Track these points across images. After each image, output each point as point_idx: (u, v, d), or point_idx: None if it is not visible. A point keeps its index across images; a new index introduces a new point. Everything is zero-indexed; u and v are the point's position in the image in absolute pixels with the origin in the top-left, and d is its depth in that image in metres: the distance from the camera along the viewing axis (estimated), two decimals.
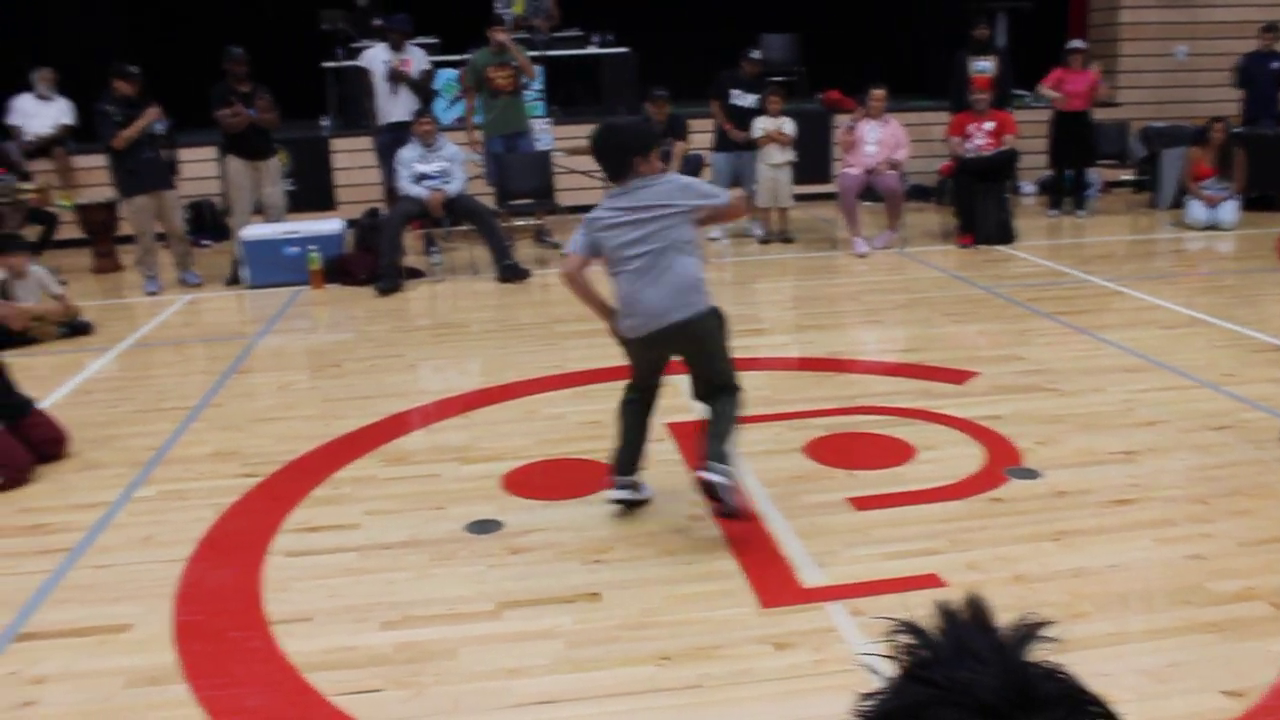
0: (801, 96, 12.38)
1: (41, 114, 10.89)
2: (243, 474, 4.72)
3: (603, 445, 4.61)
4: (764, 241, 9.88)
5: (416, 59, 9.56)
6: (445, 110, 11.09)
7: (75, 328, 7.47)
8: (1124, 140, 11.26)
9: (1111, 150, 11.09)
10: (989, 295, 7.46)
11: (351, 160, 11.39)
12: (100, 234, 9.92)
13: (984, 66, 10.34)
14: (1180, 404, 5.10)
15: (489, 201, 9.39)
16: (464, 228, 9.29)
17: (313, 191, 11.31)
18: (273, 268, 8.77)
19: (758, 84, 9.85)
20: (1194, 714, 2.80)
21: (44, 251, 9.39)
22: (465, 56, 10.01)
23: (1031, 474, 4.35)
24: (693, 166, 9.76)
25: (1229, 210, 9.56)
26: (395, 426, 5.27)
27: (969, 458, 4.55)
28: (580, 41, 12.09)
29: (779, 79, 10.86)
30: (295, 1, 12.23)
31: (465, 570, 3.74)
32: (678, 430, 4.82)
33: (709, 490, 3.75)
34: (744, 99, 9.81)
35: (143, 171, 8.54)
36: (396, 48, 9.44)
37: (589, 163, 9.88)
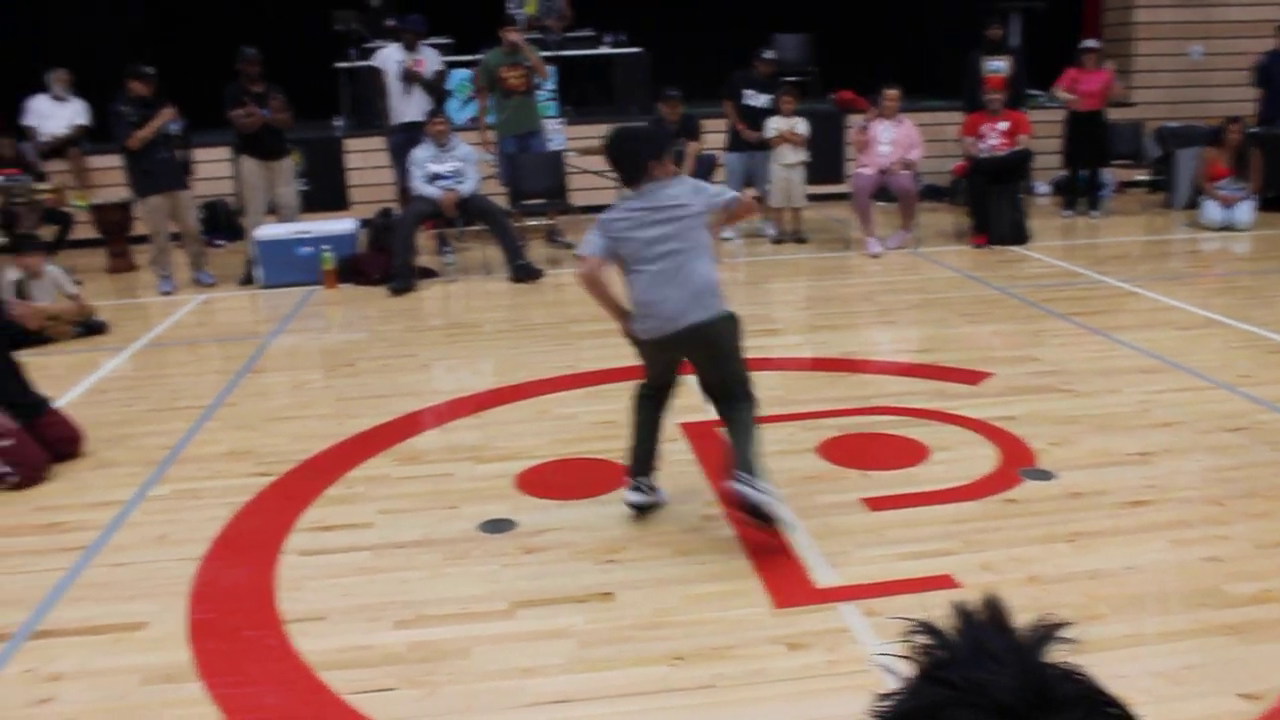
0: (814, 96, 12.36)
1: (57, 115, 10.95)
2: (257, 473, 4.73)
3: (616, 445, 4.61)
4: (777, 241, 9.87)
5: (430, 59, 9.58)
6: (458, 110, 11.11)
7: (90, 327, 7.50)
8: (1139, 140, 11.22)
9: (1126, 150, 11.05)
10: (1003, 296, 7.44)
11: (364, 160, 11.41)
12: (115, 234, 9.97)
13: (998, 66, 10.32)
14: (1196, 405, 5.08)
15: (502, 201, 9.40)
16: (477, 228, 9.30)
17: (326, 191, 11.34)
18: (286, 267, 8.80)
19: (771, 84, 9.85)
20: (1210, 717, 2.79)
21: (59, 251, 9.42)
22: (478, 57, 10.02)
23: (1046, 475, 4.34)
24: (706, 167, 9.75)
25: (1245, 211, 9.51)
26: (408, 426, 5.28)
27: (983, 458, 4.53)
28: (593, 41, 12.09)
29: (792, 79, 10.84)
30: (308, 2, 12.26)
31: (479, 570, 3.74)
32: (691, 430, 4.81)
33: (740, 503, 3.70)
34: (757, 99, 9.81)
35: (158, 172, 8.58)
36: (410, 48, 9.46)
37: (601, 163, 9.90)
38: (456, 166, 8.69)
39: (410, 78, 9.38)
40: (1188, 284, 7.62)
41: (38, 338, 7.02)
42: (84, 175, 11.03)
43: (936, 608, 0.86)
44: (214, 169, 10.93)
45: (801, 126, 9.58)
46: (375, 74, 9.85)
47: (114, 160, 9.87)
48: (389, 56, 9.52)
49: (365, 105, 11.47)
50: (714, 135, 10.15)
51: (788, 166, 9.60)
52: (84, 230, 10.32)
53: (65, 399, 5.80)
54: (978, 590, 3.33)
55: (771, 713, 2.87)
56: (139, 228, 9.43)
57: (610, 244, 3.80)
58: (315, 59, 11.77)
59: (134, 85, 8.41)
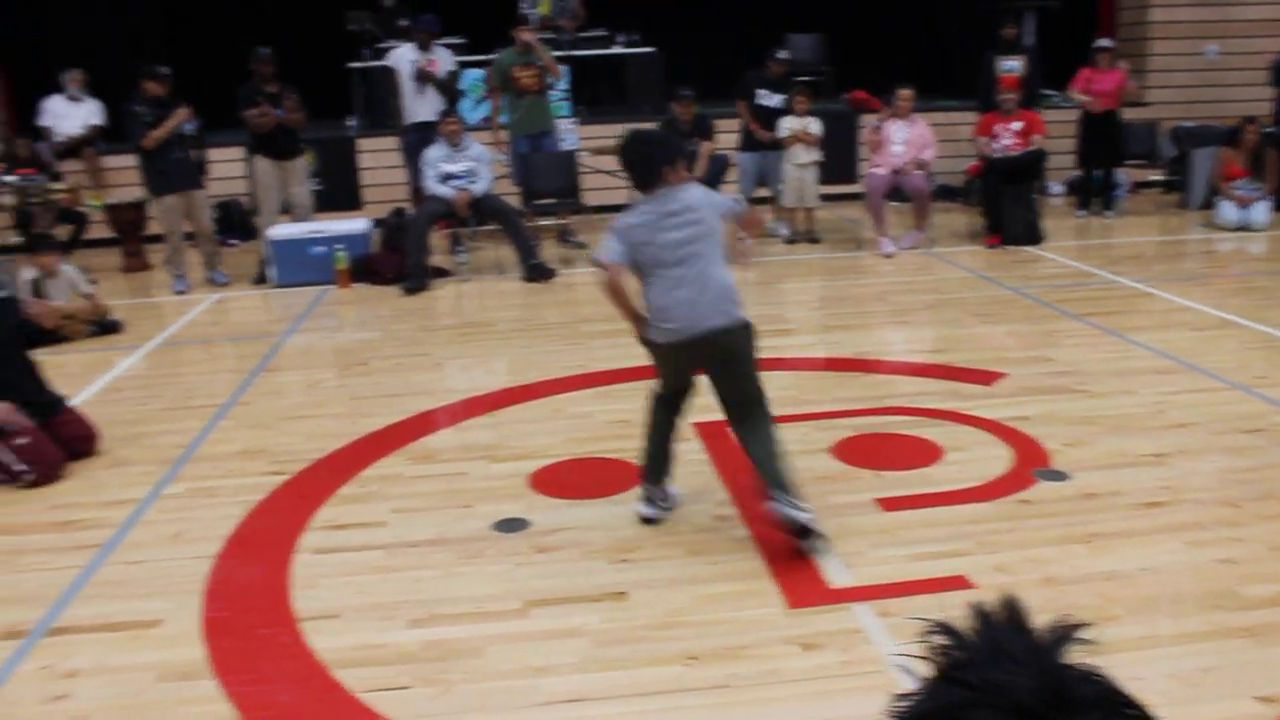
0: (828, 96, 12.34)
1: (72, 115, 11.00)
2: (271, 471, 4.74)
3: (630, 445, 4.61)
4: (790, 241, 9.86)
5: (443, 59, 9.59)
6: (471, 110, 11.12)
7: (105, 326, 7.54)
8: (1153, 140, 11.18)
9: (1140, 150, 11.01)
10: (1017, 296, 7.42)
11: (377, 160, 11.44)
12: (129, 233, 10.01)
13: (1012, 66, 10.28)
14: (1211, 406, 5.05)
15: (514, 201, 9.41)
16: (490, 227, 9.31)
17: (339, 191, 11.37)
18: (299, 267, 8.82)
19: (784, 84, 9.83)
20: None
21: (74, 251, 9.46)
22: (491, 57, 10.03)
23: (1060, 476, 4.32)
24: (719, 167, 9.74)
25: (1261, 211, 9.46)
26: (422, 425, 5.29)
27: (997, 459, 4.52)
28: (606, 41, 12.09)
29: (805, 79, 10.82)
30: (322, 3, 12.29)
31: (492, 569, 3.74)
32: (704, 430, 4.81)
33: (783, 524, 3.67)
34: (770, 99, 9.80)
35: (172, 171, 8.61)
36: (424, 48, 9.48)
37: (614, 163, 9.91)
38: (470, 166, 8.70)
39: (423, 77, 9.39)
40: (1203, 284, 7.58)
41: (53, 337, 7.07)
42: (98, 175, 11.08)
43: (953, 608, 0.86)
44: (228, 169, 10.96)
45: (815, 126, 9.57)
46: (388, 74, 9.87)
47: (128, 160, 9.92)
48: (402, 56, 9.54)
49: (378, 105, 11.50)
50: (727, 135, 10.14)
51: (801, 166, 9.59)
52: (99, 230, 10.36)
53: (80, 397, 5.83)
54: (992, 591, 3.32)
55: (786, 713, 2.87)
56: (153, 227, 9.47)
57: (629, 248, 3.79)
58: (329, 59, 11.81)
59: (149, 85, 8.44)
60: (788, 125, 9.55)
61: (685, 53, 12.48)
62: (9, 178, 9.67)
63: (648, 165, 3.80)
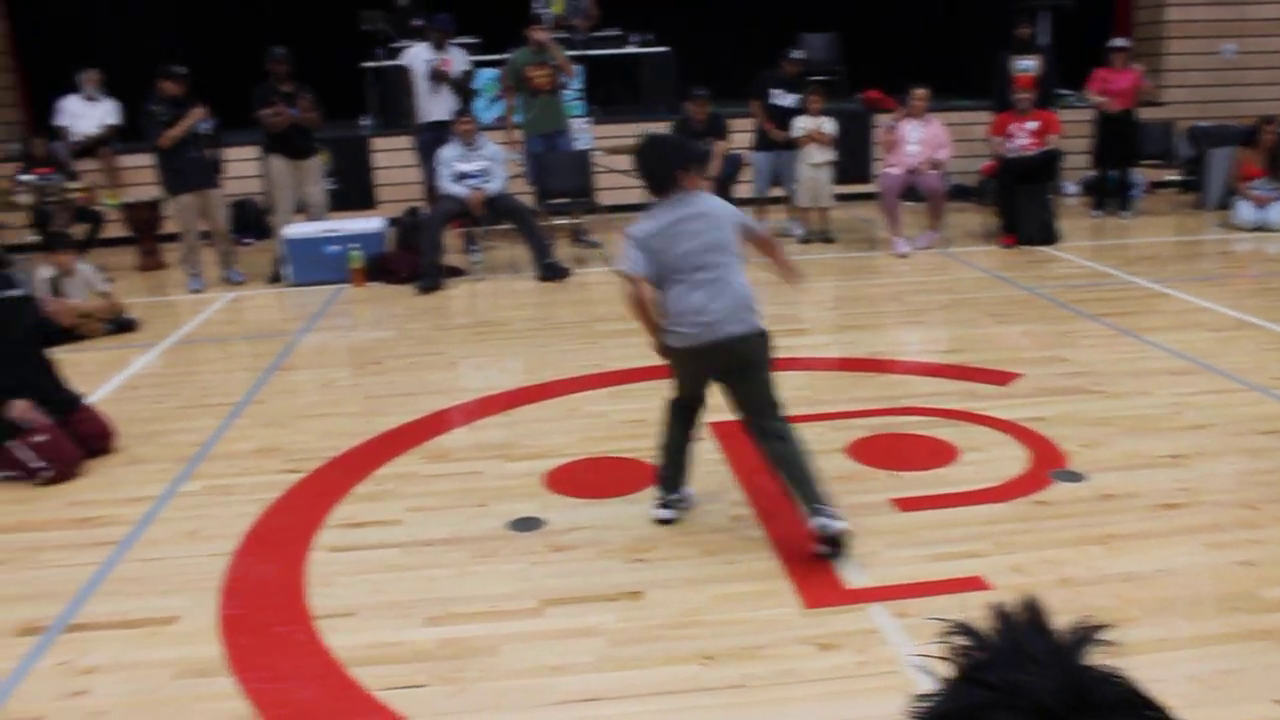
0: (842, 96, 12.31)
1: (88, 115, 11.06)
2: (286, 470, 4.76)
3: (644, 444, 4.61)
4: (804, 241, 9.84)
5: (457, 59, 9.61)
6: (485, 109, 11.13)
7: (121, 324, 7.57)
8: (1169, 140, 11.12)
9: (1157, 150, 10.95)
10: (1032, 296, 7.39)
11: (391, 159, 11.46)
12: (145, 232, 10.05)
13: (1027, 65, 10.24)
14: (1229, 407, 5.03)
15: (528, 200, 9.41)
16: (504, 226, 9.32)
17: (353, 190, 11.39)
18: (314, 266, 8.84)
19: (798, 83, 9.82)
20: None
21: (90, 250, 9.50)
22: (505, 56, 10.04)
23: (1077, 477, 4.31)
24: (733, 166, 9.74)
25: (1279, 211, 9.41)
26: (437, 424, 5.30)
27: (1013, 460, 4.50)
28: (619, 41, 12.09)
29: (819, 78, 10.80)
30: (336, 2, 12.32)
31: (507, 568, 3.75)
32: (720, 430, 4.80)
33: (824, 538, 3.64)
34: (784, 98, 9.79)
35: (188, 170, 8.64)
36: (438, 47, 9.49)
37: (628, 162, 9.90)
38: (484, 165, 8.71)
39: (438, 77, 9.41)
40: (1220, 285, 7.54)
41: (70, 335, 7.10)
42: (114, 174, 11.13)
43: (972, 609, 0.85)
44: (243, 168, 10.99)
45: (829, 126, 9.55)
46: (403, 73, 9.89)
47: (144, 159, 9.97)
48: (417, 55, 9.56)
49: (392, 104, 11.52)
50: (741, 135, 10.14)
51: (815, 166, 9.57)
52: (115, 229, 10.41)
53: (97, 395, 5.85)
54: (1009, 592, 3.31)
55: (802, 713, 2.87)
56: (169, 226, 9.50)
57: (649, 259, 3.77)
58: (343, 59, 11.83)
59: (165, 85, 8.47)
60: (802, 125, 9.53)
61: (699, 52, 12.47)
62: (26, 177, 9.71)
63: (664, 170, 3.79)
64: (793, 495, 3.74)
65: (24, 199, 9.65)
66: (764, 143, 9.89)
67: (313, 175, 9.25)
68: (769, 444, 3.78)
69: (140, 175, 10.65)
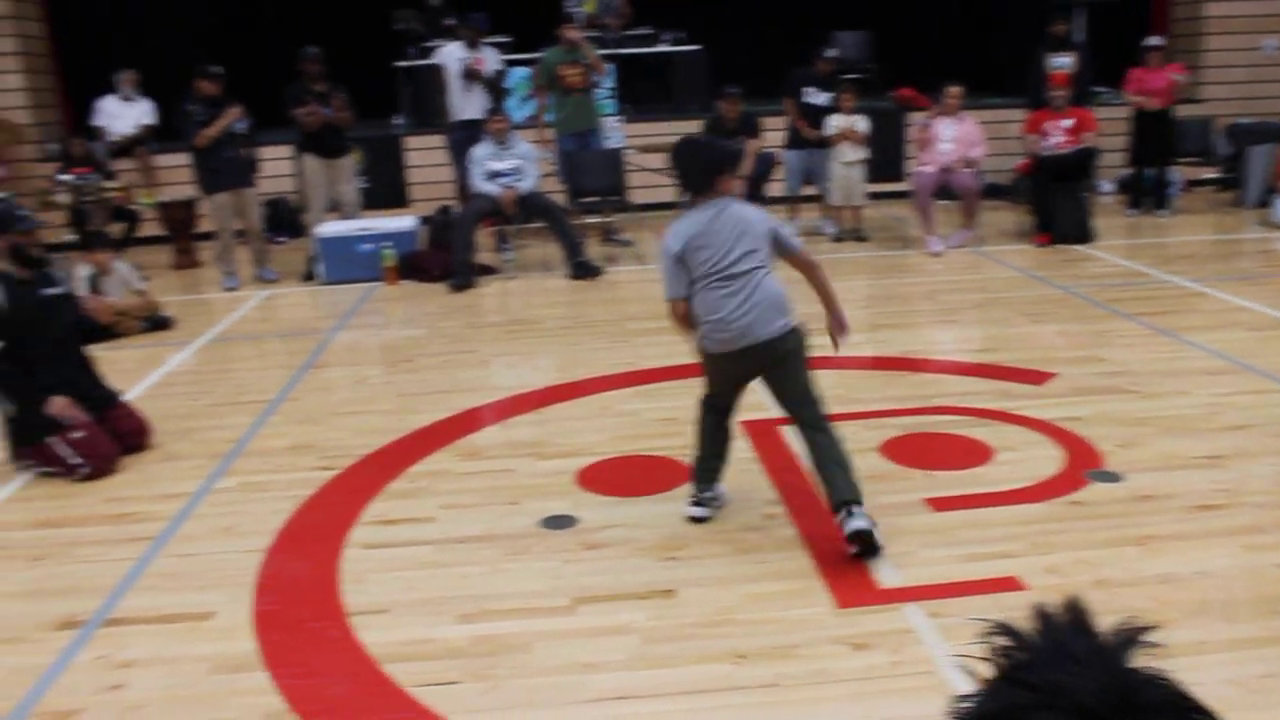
0: (875, 94, 12.26)
1: (125, 115, 11.18)
2: (320, 466, 4.78)
3: (677, 442, 4.61)
4: (837, 240, 9.81)
5: (489, 58, 9.64)
6: (517, 108, 11.16)
7: (156, 322, 7.64)
8: (1207, 137, 11.00)
9: (1195, 147, 10.84)
10: (1067, 295, 7.33)
11: (424, 158, 11.52)
12: (180, 231, 10.15)
13: (1062, 62, 10.16)
14: (1268, 408, 4.96)
15: (560, 199, 9.43)
16: (536, 225, 9.34)
17: (386, 189, 11.46)
18: (347, 264, 8.90)
19: (831, 81, 9.78)
20: None
21: (126, 248, 9.61)
22: (537, 55, 10.06)
23: (1113, 477, 4.26)
24: (765, 165, 9.71)
25: None
26: (469, 421, 5.31)
27: (1048, 459, 4.46)
28: (651, 40, 12.09)
29: (852, 76, 10.76)
30: (369, 2, 12.39)
31: (540, 565, 3.75)
32: (753, 429, 4.79)
33: (857, 538, 3.60)
34: (817, 97, 9.76)
35: (224, 170, 8.72)
36: (472, 45, 9.52)
37: (659, 161, 9.90)
38: (516, 164, 8.73)
39: (471, 75, 9.44)
40: (1259, 284, 7.44)
41: (107, 332, 7.18)
42: (150, 173, 11.24)
43: (1009, 609, 0.84)
44: (276, 167, 11.08)
45: (862, 124, 9.52)
46: (435, 72, 9.93)
47: (179, 159, 10.06)
48: (450, 54, 9.60)
49: (425, 103, 11.58)
50: (774, 133, 10.12)
51: (848, 164, 9.54)
52: (150, 227, 10.52)
53: (133, 392, 5.91)
54: (1044, 593, 3.28)
55: (835, 713, 2.85)
56: (203, 225, 9.59)
57: (684, 273, 3.76)
58: (376, 58, 11.90)
59: (202, 85, 8.56)
60: (835, 123, 9.50)
61: (731, 50, 12.45)
62: (65, 176, 9.83)
63: (702, 172, 3.79)
64: (822, 489, 3.73)
65: (62, 198, 9.77)
66: (796, 141, 9.87)
67: (345, 174, 9.31)
68: (805, 435, 3.78)
69: (175, 175, 10.75)
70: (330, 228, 9.06)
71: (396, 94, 12.11)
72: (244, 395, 5.95)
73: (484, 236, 9.36)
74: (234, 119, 8.68)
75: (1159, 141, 10.12)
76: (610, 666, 3.10)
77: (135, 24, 12.56)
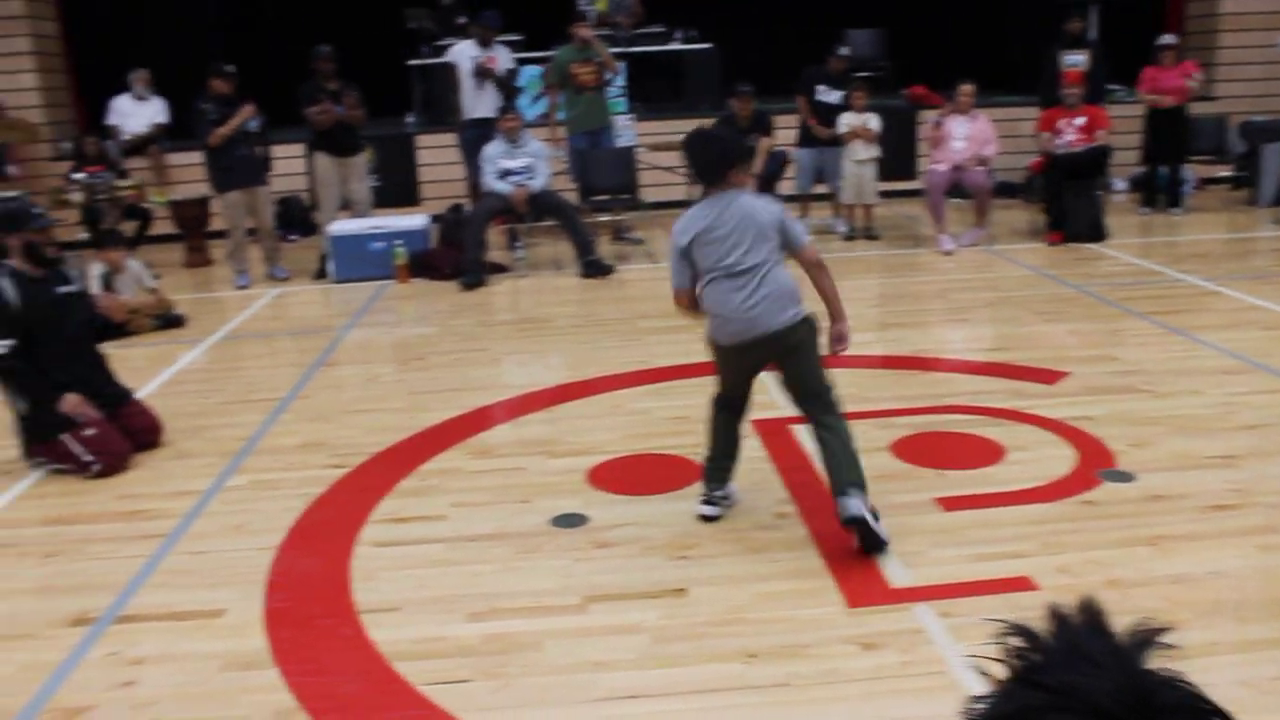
0: (887, 92, 12.23)
1: (138, 114, 11.22)
2: (331, 464, 4.79)
3: (689, 441, 4.61)
4: (849, 238, 9.79)
5: (501, 56, 9.64)
6: (529, 107, 11.16)
7: (168, 320, 7.66)
8: (1222, 135, 10.94)
9: (1208, 145, 10.78)
10: (1079, 294, 7.30)
11: (436, 156, 11.52)
12: (192, 229, 10.18)
13: (1076, 60, 10.12)
14: None
15: (572, 197, 9.43)
16: (547, 223, 9.34)
17: (398, 187, 11.47)
18: (359, 262, 8.91)
19: (843, 80, 9.76)
20: None
21: (139, 246, 9.64)
22: (549, 54, 10.06)
23: (1126, 477, 4.24)
24: (777, 163, 9.70)
25: None
26: (480, 420, 5.32)
27: (1060, 459, 4.45)
28: (663, 38, 12.08)
29: (864, 74, 10.74)
30: (382, 1, 12.41)
31: (551, 563, 3.75)
32: (764, 428, 4.78)
33: (850, 522, 3.62)
34: (829, 95, 9.74)
35: (237, 168, 8.74)
36: (484, 44, 9.53)
37: (671, 159, 9.90)
38: (528, 162, 8.73)
39: (483, 74, 9.44)
40: (1273, 283, 7.40)
41: (119, 330, 7.19)
42: (163, 172, 11.28)
43: (1020, 609, 0.84)
44: (288, 165, 11.10)
45: (874, 122, 9.49)
46: (448, 70, 9.93)
47: (191, 157, 10.09)
48: (462, 52, 9.60)
49: (437, 102, 11.58)
50: (786, 131, 10.10)
51: (860, 163, 9.52)
52: (162, 225, 10.55)
53: (145, 390, 5.92)
54: (1056, 593, 3.27)
55: (846, 712, 2.85)
56: (215, 223, 9.61)
57: (689, 265, 3.78)
58: (388, 56, 11.92)
59: (216, 83, 8.58)
60: (847, 121, 9.48)
61: (743, 49, 12.43)
62: (78, 175, 9.87)
63: (714, 164, 3.78)
64: (827, 480, 3.73)
65: (75, 197, 9.81)
66: (808, 139, 9.85)
67: (357, 172, 9.32)
68: (814, 427, 3.78)
69: (188, 173, 10.78)
70: (342, 226, 9.07)
71: (408, 92, 12.13)
72: (255, 393, 5.97)
73: (495, 235, 9.36)
74: (247, 117, 8.70)
75: (1172, 139, 10.07)
76: (621, 665, 3.10)
77: (148, 23, 12.60)
